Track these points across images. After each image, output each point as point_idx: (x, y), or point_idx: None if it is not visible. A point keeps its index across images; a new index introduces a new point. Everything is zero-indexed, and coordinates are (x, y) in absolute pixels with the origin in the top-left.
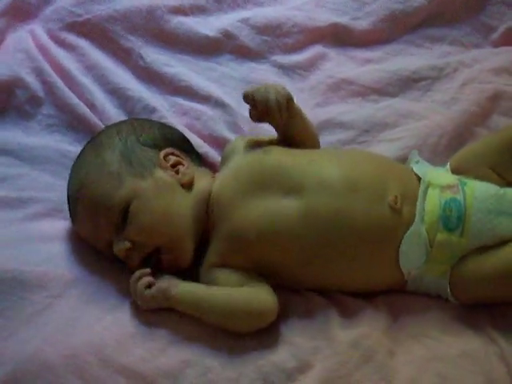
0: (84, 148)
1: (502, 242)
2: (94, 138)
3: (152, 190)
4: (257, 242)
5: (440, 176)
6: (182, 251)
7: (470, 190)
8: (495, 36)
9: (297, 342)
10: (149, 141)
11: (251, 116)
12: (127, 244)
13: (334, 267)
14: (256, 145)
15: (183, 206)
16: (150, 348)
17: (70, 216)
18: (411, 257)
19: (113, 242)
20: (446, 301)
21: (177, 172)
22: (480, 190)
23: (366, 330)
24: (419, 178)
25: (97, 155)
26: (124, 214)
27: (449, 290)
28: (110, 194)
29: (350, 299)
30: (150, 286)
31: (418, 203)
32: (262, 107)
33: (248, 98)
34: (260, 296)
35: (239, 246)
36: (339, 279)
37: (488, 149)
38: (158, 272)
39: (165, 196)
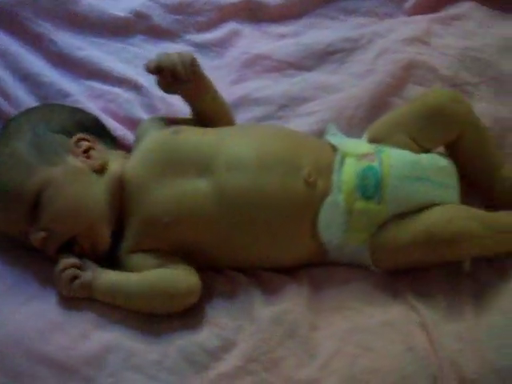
0: None
1: (420, 208)
2: (4, 128)
3: (64, 176)
4: (172, 224)
5: (356, 145)
6: (98, 237)
7: (387, 158)
8: (408, 5)
9: (220, 322)
10: (59, 127)
11: (160, 85)
12: (42, 233)
13: (252, 245)
14: (167, 125)
15: (96, 191)
16: (72, 335)
17: None
18: (331, 226)
19: (28, 232)
20: (368, 269)
21: (88, 157)
22: (396, 157)
23: (288, 306)
24: (336, 150)
25: (6, 145)
26: (36, 203)
27: (369, 257)
28: (20, 183)
29: (273, 275)
30: (74, 277)
31: (333, 173)
32: (168, 72)
33: (152, 67)
34: (182, 277)
35: (154, 230)
36: (260, 256)
37: (404, 118)
38: (80, 259)
39: (77, 182)
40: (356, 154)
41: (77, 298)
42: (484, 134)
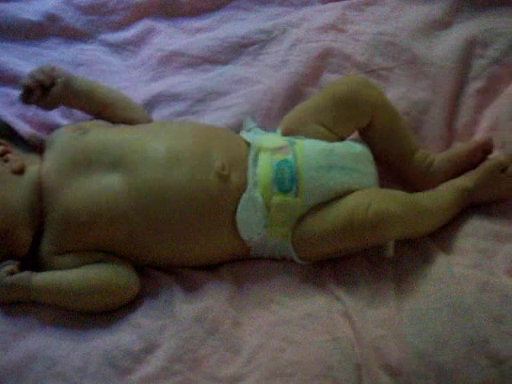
0: None
1: (338, 197)
2: None
3: None
4: (89, 222)
5: (269, 139)
6: (18, 239)
7: (300, 149)
8: None
9: (143, 324)
10: None
11: (21, 98)
12: None
13: (170, 241)
14: (78, 128)
15: (17, 193)
16: None
17: None
18: (250, 223)
19: None
20: (292, 262)
21: (6, 160)
22: (309, 148)
23: (209, 303)
24: (250, 146)
25: None
26: None
27: (292, 250)
28: None
29: (194, 273)
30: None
31: (248, 169)
32: (34, 85)
33: (23, 94)
34: (121, 272)
35: (73, 230)
36: (179, 253)
37: (316, 107)
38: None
39: None
40: (270, 148)
41: None
42: (396, 117)
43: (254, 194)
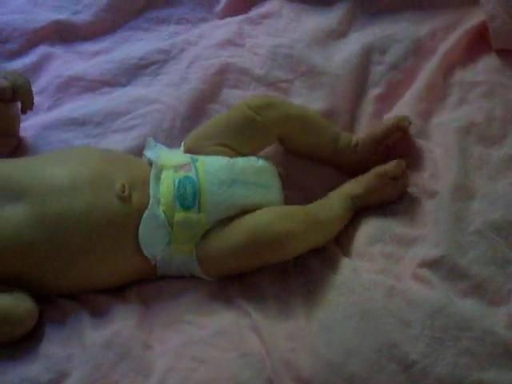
0: None
1: (243, 212)
2: None
3: None
4: None
5: (173, 157)
6: None
7: (202, 165)
8: (219, 8)
9: (51, 353)
10: None
11: None
12: None
13: (76, 267)
14: None
15: None
16: None
17: None
18: (153, 241)
19: None
20: (199, 279)
21: None
22: (211, 164)
23: (117, 328)
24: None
25: None
26: None
27: (198, 267)
28: None
29: (101, 297)
30: None
31: (150, 187)
32: None
33: None
34: (18, 301)
35: None
36: (85, 279)
37: (217, 129)
38: None
39: None
40: (172, 166)
41: None
42: (306, 119)
43: (155, 212)
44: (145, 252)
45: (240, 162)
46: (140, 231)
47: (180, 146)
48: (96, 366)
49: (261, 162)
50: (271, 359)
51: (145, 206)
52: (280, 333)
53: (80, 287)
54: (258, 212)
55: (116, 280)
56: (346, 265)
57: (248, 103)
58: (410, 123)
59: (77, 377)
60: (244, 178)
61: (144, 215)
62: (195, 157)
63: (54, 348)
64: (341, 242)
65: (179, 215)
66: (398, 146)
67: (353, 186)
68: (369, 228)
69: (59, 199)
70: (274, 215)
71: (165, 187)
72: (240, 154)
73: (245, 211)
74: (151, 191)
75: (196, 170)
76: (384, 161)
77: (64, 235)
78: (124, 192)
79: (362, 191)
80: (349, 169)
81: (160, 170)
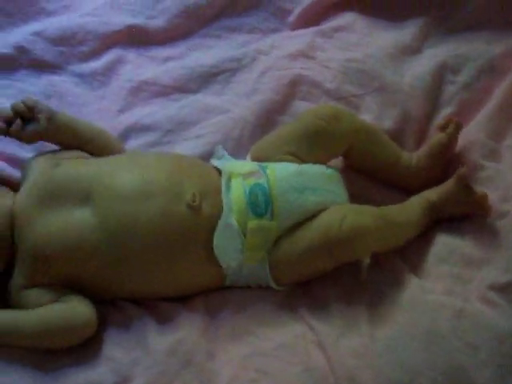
0: None
1: (312, 216)
2: None
3: None
4: (59, 257)
5: (240, 165)
6: None
7: (272, 172)
8: (292, 19)
9: (115, 356)
10: None
11: (14, 134)
12: None
13: (143, 275)
14: (50, 158)
15: None
16: None
17: None
18: (227, 249)
19: None
20: (264, 290)
21: None
22: (281, 171)
23: (182, 335)
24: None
25: None
26: None
27: (269, 274)
28: None
29: (166, 303)
30: None
31: (222, 195)
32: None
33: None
34: (78, 309)
35: (43, 264)
36: (151, 287)
37: (284, 138)
38: None
39: None
40: (241, 173)
41: None
42: (373, 136)
43: (229, 220)
44: (220, 261)
45: (309, 168)
46: (215, 240)
47: (246, 157)
48: (160, 372)
49: (329, 170)
50: (335, 375)
51: (215, 215)
52: (344, 349)
53: (145, 294)
54: (329, 209)
55: (184, 289)
56: (412, 283)
57: (316, 112)
58: (458, 125)
59: (140, 382)
60: (314, 184)
61: (218, 224)
62: (263, 164)
63: (118, 352)
64: (408, 259)
65: (252, 223)
66: (468, 166)
67: (432, 192)
68: (437, 247)
69: (127, 205)
70: (346, 211)
71: (236, 195)
72: (304, 161)
73: (314, 215)
74: (224, 200)
75: (267, 176)
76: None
77: (130, 242)
78: (195, 202)
79: (441, 196)
80: (407, 186)
81: (229, 177)
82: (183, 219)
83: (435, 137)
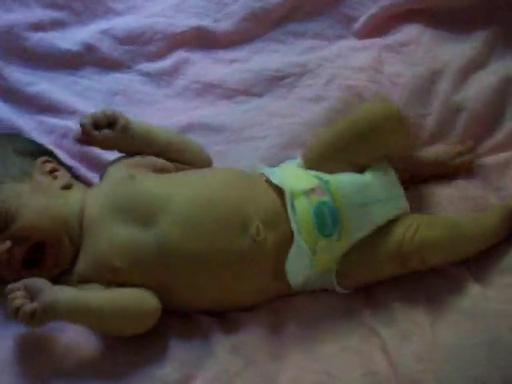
0: None
1: (381, 227)
2: None
3: (33, 191)
4: (123, 269)
5: (298, 180)
6: (64, 246)
7: (335, 188)
8: (357, 26)
9: (179, 354)
10: (24, 150)
11: (76, 138)
12: (8, 243)
13: (206, 297)
14: (127, 169)
15: (62, 205)
16: (15, 374)
17: None
18: (297, 270)
19: None
20: (327, 294)
21: (54, 178)
22: (345, 187)
23: (246, 335)
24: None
25: None
26: (5, 216)
27: (335, 281)
28: None
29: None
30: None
31: (290, 217)
32: (91, 124)
33: (77, 135)
34: (145, 296)
35: (104, 271)
36: (215, 304)
37: (338, 141)
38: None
39: (45, 196)
40: (302, 191)
41: (29, 341)
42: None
43: (298, 243)
44: (290, 281)
45: (369, 178)
46: (287, 266)
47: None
48: (223, 370)
49: (386, 172)
50: (398, 380)
51: (279, 241)
52: (408, 353)
53: (212, 309)
54: (401, 221)
55: (250, 302)
56: (475, 291)
57: (372, 110)
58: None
59: (204, 379)
60: (379, 195)
61: (291, 249)
62: (323, 177)
63: (182, 349)
64: (470, 266)
65: (321, 243)
66: None
67: None
68: (502, 254)
69: (190, 233)
70: (418, 222)
71: (302, 217)
72: (360, 165)
73: (384, 226)
74: (292, 222)
75: (331, 194)
76: None
77: (190, 269)
78: (259, 235)
79: None
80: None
81: (291, 197)
82: (248, 252)
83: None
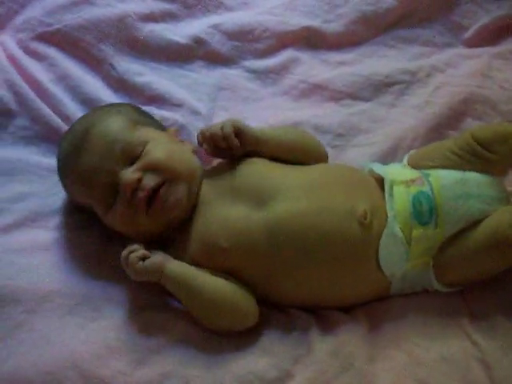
0: (80, 120)
1: (476, 221)
2: (90, 115)
3: (167, 138)
4: (228, 250)
5: (401, 172)
6: (181, 190)
7: (436, 180)
8: (467, 35)
9: (277, 352)
10: (149, 120)
11: (206, 152)
12: (138, 173)
13: (307, 286)
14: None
15: (190, 157)
16: (129, 360)
17: (66, 163)
18: (392, 259)
19: (117, 182)
20: (427, 300)
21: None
22: (445, 178)
23: (344, 337)
24: (380, 182)
25: (103, 115)
26: (140, 150)
27: (434, 278)
28: (127, 131)
29: (329, 310)
30: (143, 259)
31: (387, 204)
32: (211, 144)
33: (199, 136)
34: (246, 297)
35: (211, 252)
36: (315, 297)
37: (440, 152)
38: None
39: (178, 146)
40: (403, 180)
41: (133, 322)
42: None
43: (393, 230)
44: (384, 271)
45: (472, 175)
46: (380, 251)
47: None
48: (321, 371)
49: (490, 177)
50: None
51: (382, 229)
52: (510, 368)
53: (307, 303)
54: (496, 212)
55: (350, 299)
56: None
57: (474, 134)
58: None
59: (301, 379)
60: (479, 191)
61: (383, 234)
62: (425, 171)
63: (280, 347)
64: None
65: (417, 232)
66: None
67: None
68: None
69: (300, 217)
70: None
71: (399, 204)
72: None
73: (479, 220)
74: (388, 209)
75: (430, 184)
76: None
77: (297, 253)
78: (366, 219)
79: None
80: None
81: (390, 185)
82: (354, 236)
83: None
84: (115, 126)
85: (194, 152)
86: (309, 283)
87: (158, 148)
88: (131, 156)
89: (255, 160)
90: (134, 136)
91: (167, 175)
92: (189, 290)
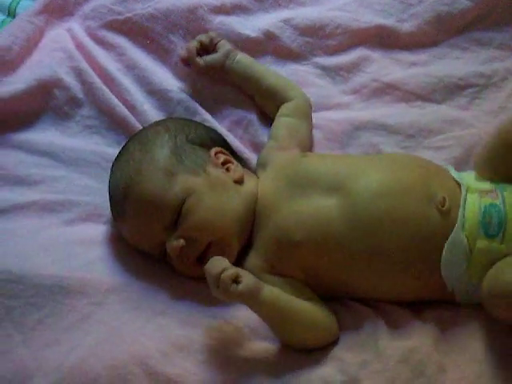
0: (127, 145)
1: None
2: (139, 136)
3: (206, 185)
4: (303, 243)
5: (476, 181)
6: (232, 247)
7: (510, 195)
8: None
9: (344, 357)
10: (198, 140)
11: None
12: (181, 241)
13: (380, 274)
14: (296, 150)
15: (236, 201)
16: (197, 361)
17: (114, 216)
18: (452, 264)
19: (164, 242)
20: None
21: (227, 170)
22: None
23: (415, 343)
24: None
25: (145, 152)
26: (179, 211)
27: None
28: (163, 191)
29: (398, 310)
30: (236, 280)
31: (459, 209)
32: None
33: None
34: (329, 316)
35: (286, 249)
36: (383, 286)
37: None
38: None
39: (219, 192)
40: (478, 189)
41: (197, 317)
42: None
43: (459, 236)
44: (443, 274)
45: None
46: (444, 254)
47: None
48: (390, 378)
49: None
50: None
51: (454, 224)
52: None
53: (374, 295)
54: None
55: (408, 294)
56: None
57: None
58: None
59: None
60: None
61: (449, 238)
62: (502, 185)
63: (347, 352)
64: None
65: (482, 243)
66: None
67: None
68: None
69: (376, 201)
70: None
71: (470, 212)
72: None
73: None
74: (459, 214)
75: (503, 199)
76: None
77: (377, 239)
78: (444, 206)
79: None
80: None
81: (465, 192)
82: (431, 222)
83: None
84: (151, 186)
85: (240, 180)
86: (380, 272)
87: (199, 207)
88: (173, 219)
89: (309, 154)
90: (171, 194)
91: (212, 237)
92: (282, 316)
